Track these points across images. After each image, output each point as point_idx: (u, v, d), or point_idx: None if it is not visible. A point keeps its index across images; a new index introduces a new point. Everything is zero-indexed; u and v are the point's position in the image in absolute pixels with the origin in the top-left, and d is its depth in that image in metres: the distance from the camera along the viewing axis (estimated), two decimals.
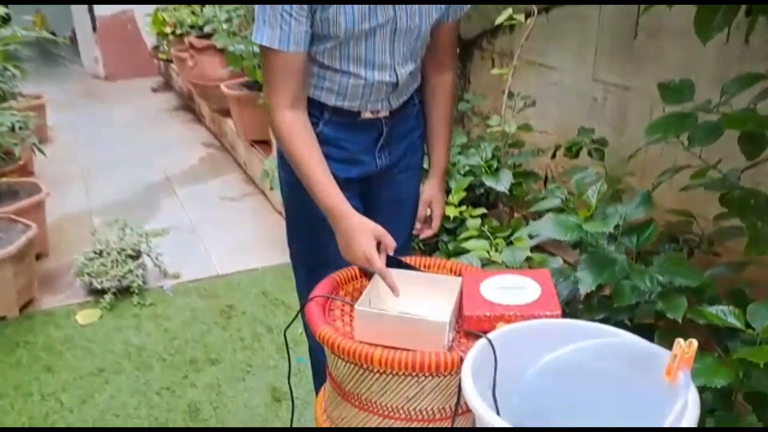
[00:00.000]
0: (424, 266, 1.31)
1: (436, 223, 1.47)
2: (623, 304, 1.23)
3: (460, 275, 1.28)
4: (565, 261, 1.66)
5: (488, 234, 1.91)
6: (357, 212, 1.20)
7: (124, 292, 2.49)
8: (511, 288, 1.16)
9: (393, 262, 1.21)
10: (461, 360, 0.99)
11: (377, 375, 1.05)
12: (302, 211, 1.35)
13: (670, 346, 0.88)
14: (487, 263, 1.75)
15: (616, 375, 0.99)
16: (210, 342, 2.24)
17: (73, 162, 3.95)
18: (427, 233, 1.48)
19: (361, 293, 1.18)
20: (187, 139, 4.52)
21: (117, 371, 2.10)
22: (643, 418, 0.91)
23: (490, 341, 0.99)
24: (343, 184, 1.24)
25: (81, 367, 2.11)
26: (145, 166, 3.91)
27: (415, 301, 1.18)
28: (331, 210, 1.20)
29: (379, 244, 1.18)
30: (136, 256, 2.57)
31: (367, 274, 1.24)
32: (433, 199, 1.46)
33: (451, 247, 2.00)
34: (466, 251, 1.88)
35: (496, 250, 1.85)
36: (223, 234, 3.06)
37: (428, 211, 1.48)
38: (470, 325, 1.09)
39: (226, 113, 3.95)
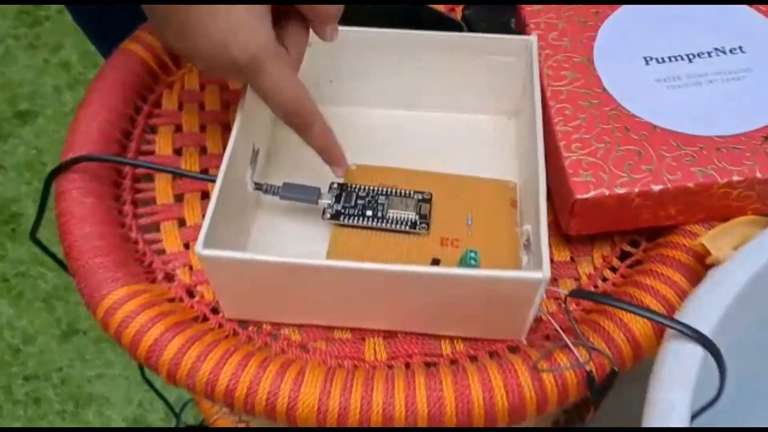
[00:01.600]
0: None
1: None
2: None
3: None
4: None
5: None
6: None
7: None
8: (703, 74, 0.35)
9: None
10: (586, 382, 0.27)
11: None
12: None
13: None
14: None
15: None
16: (13, 73, 1.34)
17: None
18: None
19: (228, 107, 0.39)
20: None
21: None
22: None
23: (717, 354, 0.26)
24: None
25: None
26: None
27: (401, 142, 0.39)
28: None
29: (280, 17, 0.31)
30: None
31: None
32: None
33: None
34: None
35: None
36: None
37: None
38: (586, 224, 0.33)
39: None
